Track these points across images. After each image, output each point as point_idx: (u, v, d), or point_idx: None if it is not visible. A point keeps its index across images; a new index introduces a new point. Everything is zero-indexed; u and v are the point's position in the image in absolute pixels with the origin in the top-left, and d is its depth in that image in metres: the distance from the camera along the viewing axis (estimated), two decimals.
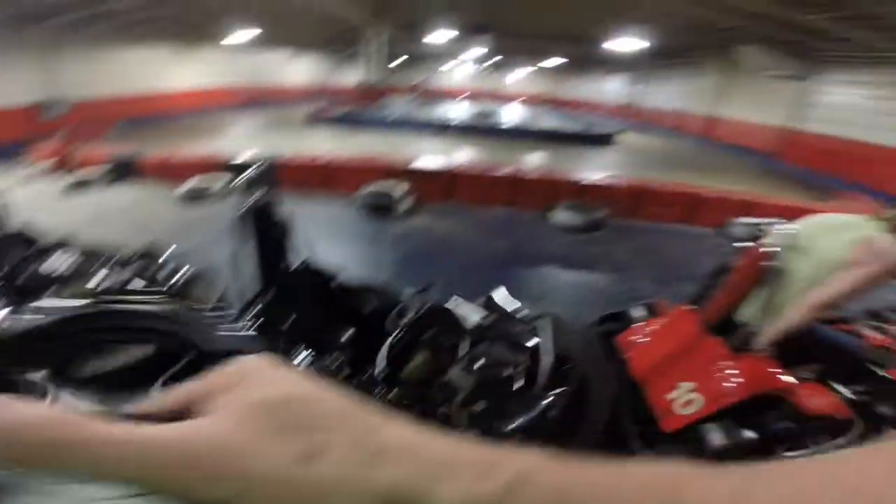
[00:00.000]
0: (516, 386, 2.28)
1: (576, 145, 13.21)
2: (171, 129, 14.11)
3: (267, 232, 2.11)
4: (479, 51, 21.03)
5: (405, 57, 28.60)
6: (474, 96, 31.35)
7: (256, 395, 0.23)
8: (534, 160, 10.39)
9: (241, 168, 6.44)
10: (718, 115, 16.56)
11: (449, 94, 32.57)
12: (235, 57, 20.17)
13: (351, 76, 20.40)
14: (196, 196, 5.91)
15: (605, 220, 5.44)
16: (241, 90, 21.08)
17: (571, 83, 32.05)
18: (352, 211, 5.81)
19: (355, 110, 16.57)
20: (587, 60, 24.63)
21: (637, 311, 2.95)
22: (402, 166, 6.12)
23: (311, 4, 12.52)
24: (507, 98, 32.35)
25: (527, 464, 0.22)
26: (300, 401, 0.24)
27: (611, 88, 26.70)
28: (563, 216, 5.51)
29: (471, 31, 16.93)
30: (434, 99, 27.96)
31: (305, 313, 1.88)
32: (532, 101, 31.08)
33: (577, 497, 0.21)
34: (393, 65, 30.56)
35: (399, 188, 5.80)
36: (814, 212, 6.04)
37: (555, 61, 25.77)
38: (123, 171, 6.96)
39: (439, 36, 17.46)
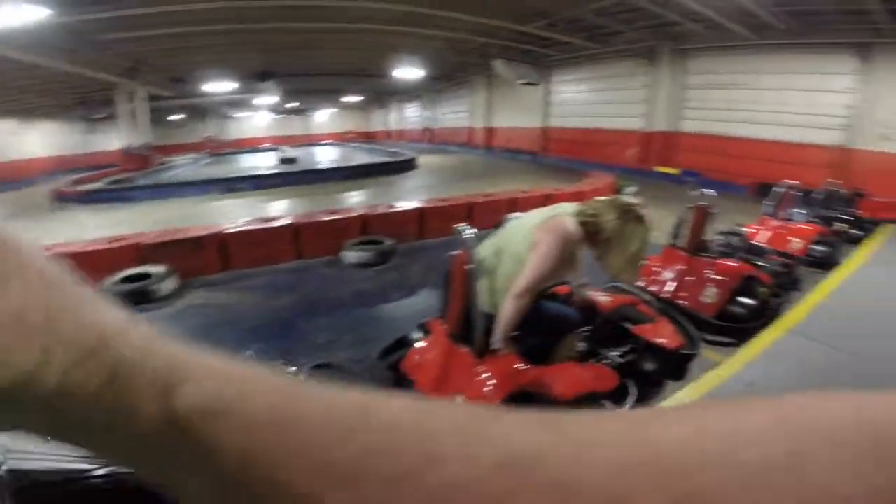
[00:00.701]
0: None
1: (384, 175, 13.38)
2: None
3: None
4: (271, 98, 20.16)
5: (182, 114, 25.86)
6: (275, 143, 29.98)
7: None
8: (349, 197, 10.12)
9: None
10: (492, 126, 18.96)
11: (245, 145, 30.53)
12: None
13: (113, 141, 17.37)
14: None
15: (393, 249, 5.37)
16: None
17: (374, 116, 33.32)
18: None
19: (121, 179, 13.97)
20: (381, 93, 25.89)
21: (415, 334, 2.84)
22: (161, 241, 5.16)
23: (38, 67, 10.16)
24: (312, 139, 31.83)
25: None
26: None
27: (410, 115, 28.51)
28: (352, 255, 5.26)
29: (252, 79, 16.10)
30: (226, 152, 25.75)
31: None
32: (339, 138, 31.21)
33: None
34: (177, 119, 27.34)
35: (158, 268, 4.86)
36: (562, 195, 6.91)
37: (352, 98, 26.34)
38: None
39: (217, 87, 16.15)
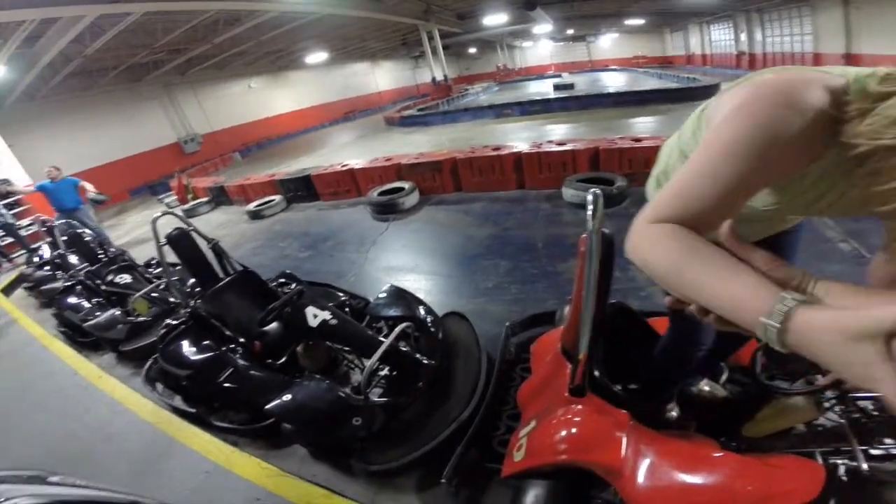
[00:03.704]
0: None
1: (670, 102, 10.91)
2: (279, 150, 15.63)
3: (191, 251, 2.64)
4: (545, 26, 19.26)
5: (476, 48, 27.67)
6: (557, 70, 28.95)
7: None
8: (626, 125, 8.83)
9: (289, 183, 6.45)
10: (854, 52, 12.68)
11: (531, 72, 30.66)
12: (324, 77, 21.61)
13: (428, 74, 20.38)
14: (256, 214, 6.47)
15: (624, 192, 4.15)
16: (337, 105, 22.62)
17: (669, 39, 27.69)
18: (364, 211, 5.62)
19: (426, 107, 16.41)
20: (669, 14, 20.90)
21: (564, 311, 2.12)
22: (413, 162, 5.64)
23: (370, 18, 12.58)
24: (595, 66, 29.27)
25: None
26: None
27: (719, 38, 22.30)
28: (569, 192, 4.36)
29: (521, 8, 15.52)
30: (513, 80, 26.55)
31: (240, 302, 2.49)
32: (626, 64, 27.50)
33: None
34: (472, 52, 29.82)
35: (405, 185, 5.39)
36: None
37: (635, 21, 22.31)
38: (220, 196, 8.04)
39: (494, 20, 16.44)
